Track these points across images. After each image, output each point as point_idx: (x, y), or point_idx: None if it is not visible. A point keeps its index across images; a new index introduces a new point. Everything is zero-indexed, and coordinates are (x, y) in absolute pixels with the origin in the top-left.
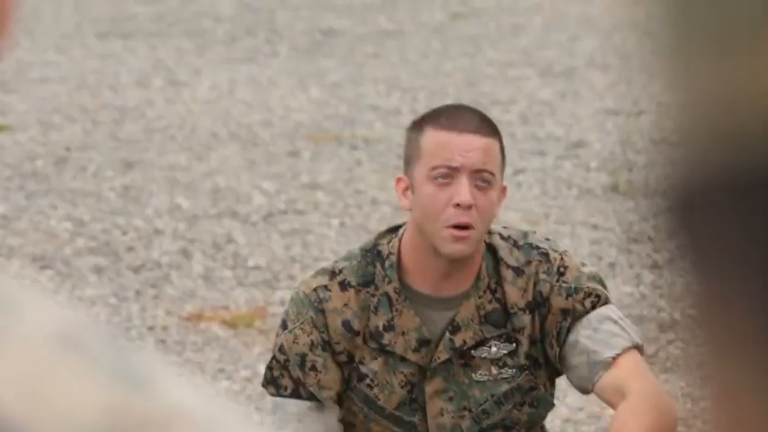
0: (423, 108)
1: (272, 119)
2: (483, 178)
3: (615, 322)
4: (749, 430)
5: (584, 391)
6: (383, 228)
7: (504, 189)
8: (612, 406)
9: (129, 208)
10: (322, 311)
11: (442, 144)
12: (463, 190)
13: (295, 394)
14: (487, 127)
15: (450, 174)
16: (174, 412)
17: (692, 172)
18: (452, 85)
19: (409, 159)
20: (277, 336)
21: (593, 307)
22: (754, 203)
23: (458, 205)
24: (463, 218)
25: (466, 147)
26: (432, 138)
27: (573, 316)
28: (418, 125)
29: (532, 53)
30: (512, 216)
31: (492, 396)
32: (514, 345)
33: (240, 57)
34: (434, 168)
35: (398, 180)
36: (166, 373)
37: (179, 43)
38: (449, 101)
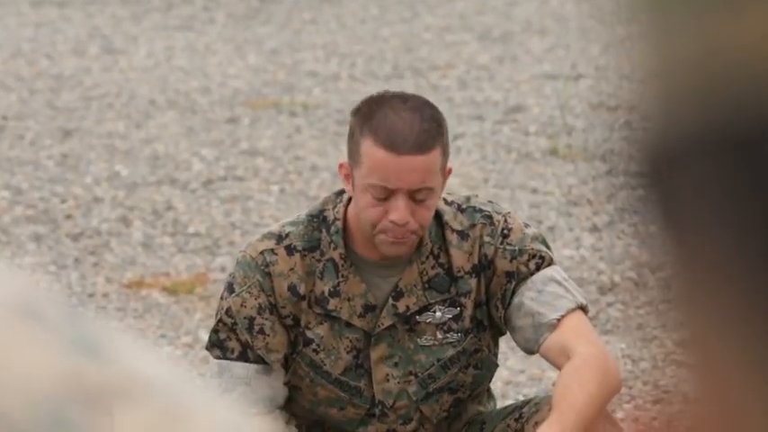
0: (361, 74)
1: (210, 86)
2: (420, 197)
3: (559, 283)
4: (729, 397)
5: (529, 352)
6: (323, 194)
7: (449, 171)
8: (557, 367)
9: (67, 176)
10: (269, 275)
11: (380, 164)
12: (400, 210)
13: (242, 357)
14: (426, 138)
15: (385, 194)
16: (131, 379)
17: (668, 133)
18: (390, 50)
19: (351, 154)
20: (222, 299)
21: (538, 268)
22: (734, 162)
23: (393, 221)
24: (400, 232)
25: (402, 169)
26: (369, 151)
27: (517, 278)
28: (360, 124)
29: (470, 18)
30: (451, 181)
31: (438, 360)
32: (459, 309)
33: (177, 24)
34: (371, 186)
35: (341, 165)
36: (123, 341)
37: (115, 11)
38: (387, 66)
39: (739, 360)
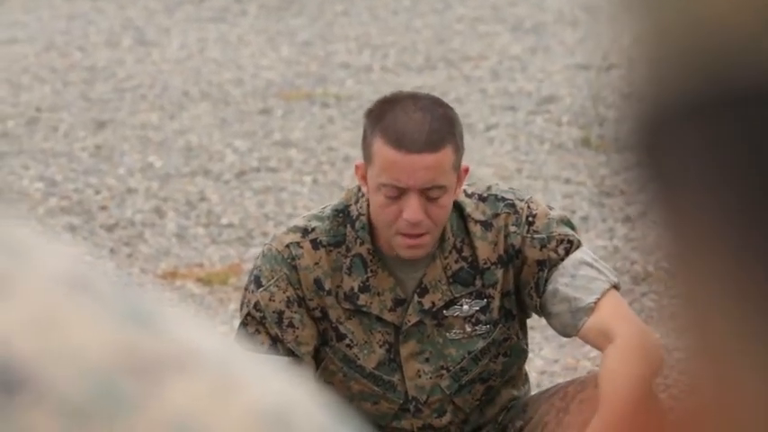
0: (393, 65)
1: (242, 77)
2: (432, 195)
3: (591, 265)
4: (726, 368)
5: (568, 335)
6: (356, 184)
7: (466, 169)
8: (599, 349)
9: (101, 167)
10: (295, 268)
11: (390, 162)
12: (412, 208)
13: (272, 351)
14: (436, 138)
15: (397, 194)
16: (183, 350)
17: (655, 100)
18: (422, 41)
19: (365, 154)
20: (249, 291)
21: (567, 253)
22: (722, 126)
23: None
24: (415, 230)
25: (413, 167)
26: (380, 151)
27: (549, 265)
28: (373, 124)
29: (502, 9)
30: (484, 171)
31: (468, 353)
32: (486, 301)
33: (209, 16)
34: (383, 185)
35: (357, 167)
36: (175, 314)
37: (147, 3)
38: (419, 58)
39: (736, 329)
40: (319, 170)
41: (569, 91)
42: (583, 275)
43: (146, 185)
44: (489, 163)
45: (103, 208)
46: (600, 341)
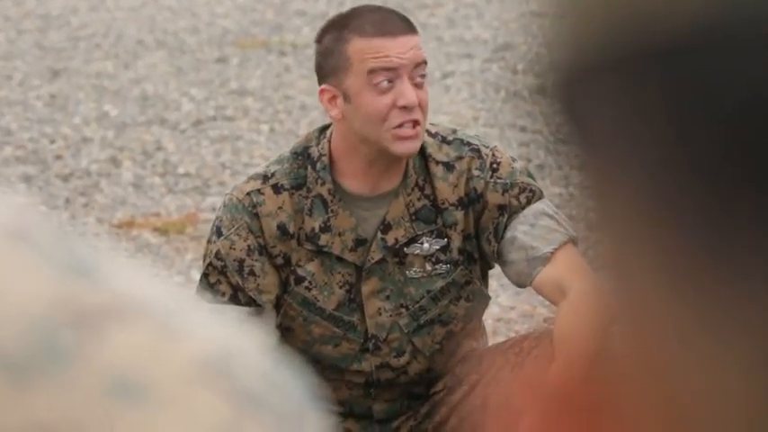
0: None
1: (198, 25)
2: (421, 73)
3: (551, 217)
4: (644, 319)
5: (522, 285)
6: None
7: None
8: (552, 302)
9: (56, 116)
10: (256, 216)
11: (376, 49)
12: (408, 91)
13: (233, 300)
14: (411, 24)
15: (390, 77)
16: (124, 299)
17: (572, 52)
18: None
19: (334, 70)
20: (210, 242)
21: (529, 202)
22: (638, 76)
23: (404, 107)
24: (411, 116)
25: (401, 48)
26: (362, 45)
27: (509, 211)
28: (337, 35)
29: None
30: (440, 119)
31: (428, 292)
32: (446, 240)
33: None
34: (372, 72)
35: (322, 91)
36: (116, 262)
37: None
38: (376, 4)
39: (655, 279)
40: (276, 119)
41: (525, 39)
42: (542, 225)
43: (101, 135)
44: (446, 111)
45: (59, 157)
46: (554, 294)
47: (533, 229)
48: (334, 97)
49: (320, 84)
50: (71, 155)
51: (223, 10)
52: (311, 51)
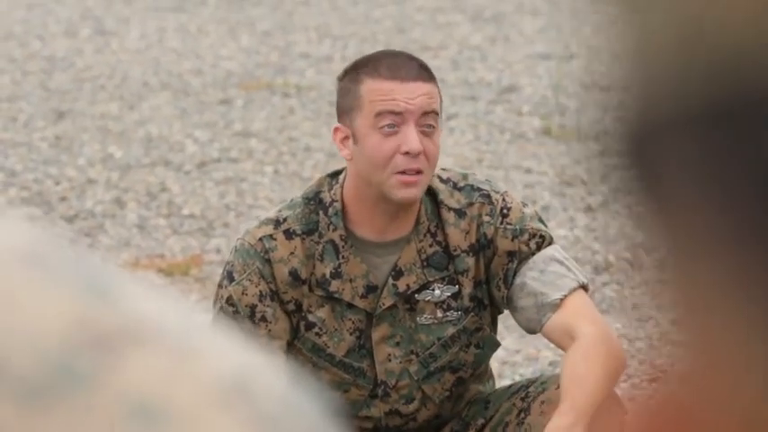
0: (353, 55)
1: (202, 67)
2: (428, 123)
3: (561, 263)
4: (725, 371)
5: (532, 332)
6: (317, 174)
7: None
8: (561, 347)
9: (60, 158)
10: (268, 261)
11: (386, 92)
12: (411, 137)
13: None
14: (427, 73)
15: (396, 122)
16: (141, 321)
17: (648, 109)
18: (382, 31)
19: (348, 110)
20: (221, 287)
21: (539, 248)
22: (714, 137)
23: (407, 153)
24: (414, 164)
25: (410, 94)
26: (373, 87)
27: (519, 257)
28: (355, 75)
29: None
30: (445, 161)
31: (438, 339)
32: (457, 287)
33: (169, 5)
34: (379, 115)
35: (336, 129)
36: (134, 285)
37: None
38: (379, 48)
39: (735, 333)
40: (280, 160)
41: (530, 81)
42: (552, 272)
43: (106, 176)
44: (450, 152)
45: (63, 199)
46: (563, 340)
47: (543, 276)
48: (346, 137)
49: (338, 122)
50: (76, 196)
51: (227, 52)
52: (315, 93)
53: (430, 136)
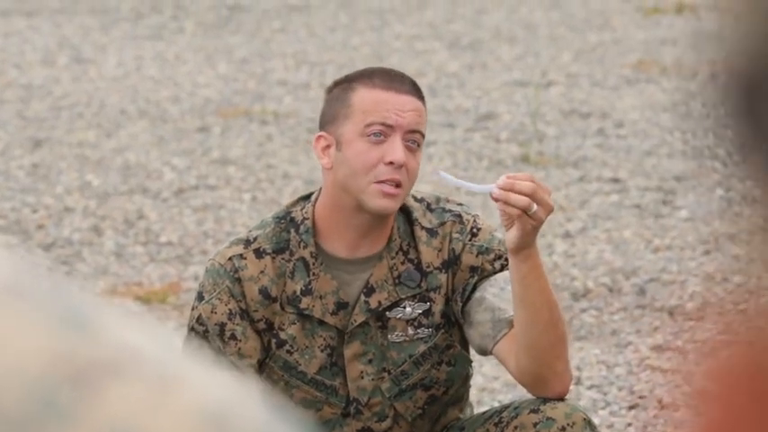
0: (331, 82)
1: (180, 95)
2: (414, 139)
3: None
4: None
5: (483, 350)
6: None
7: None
8: (509, 368)
9: (38, 186)
10: (238, 280)
11: (379, 102)
12: (398, 149)
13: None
14: (419, 92)
15: (384, 132)
16: (120, 352)
17: (759, 64)
18: (360, 58)
19: (334, 117)
20: (193, 309)
21: (502, 269)
22: None
23: (390, 163)
24: (396, 175)
25: (402, 107)
26: (366, 96)
27: (480, 274)
28: (347, 84)
29: (439, 26)
30: (423, 188)
31: (410, 357)
32: (428, 304)
33: (146, 33)
34: (369, 125)
35: (318, 137)
36: (113, 315)
37: (83, 20)
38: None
39: None
40: (258, 187)
41: (507, 108)
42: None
43: (83, 204)
44: (428, 180)
45: (41, 227)
46: (512, 358)
47: (503, 293)
48: (327, 146)
49: (320, 131)
50: (53, 224)
51: (205, 80)
52: (293, 120)
53: (413, 152)
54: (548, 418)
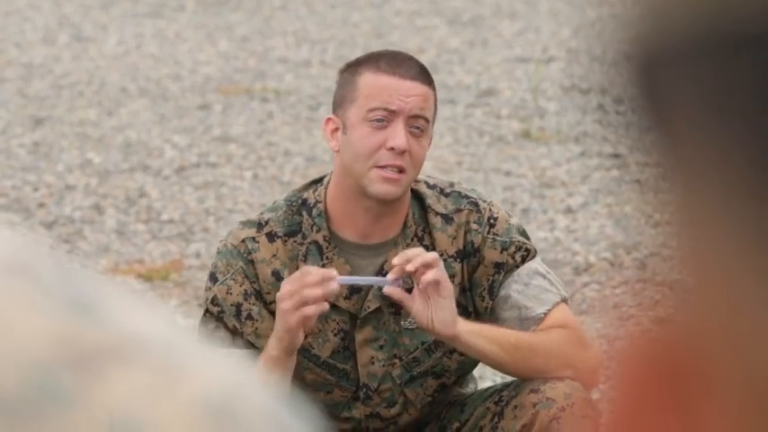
0: (332, 59)
1: (181, 73)
2: (418, 125)
3: (544, 276)
4: (740, 304)
5: None
6: (296, 179)
7: (430, 140)
8: None
9: (39, 164)
10: (251, 262)
11: (382, 87)
12: (399, 134)
13: (231, 346)
14: (426, 76)
15: (386, 117)
16: (126, 338)
17: (661, 35)
18: (361, 35)
19: (342, 101)
20: (206, 290)
21: (523, 261)
22: (728, 60)
23: (392, 149)
24: (397, 161)
25: (405, 92)
26: (371, 80)
27: (505, 269)
28: (355, 67)
29: (440, 2)
30: (424, 165)
31: (422, 344)
32: None
33: (146, 11)
34: (372, 110)
35: (328, 120)
36: (119, 299)
37: None
38: (358, 52)
39: (747, 260)
40: (259, 165)
41: (508, 84)
42: (536, 285)
43: (84, 182)
44: (429, 156)
45: (42, 205)
46: None
47: (527, 289)
48: (336, 129)
49: (332, 113)
50: (54, 202)
51: (205, 57)
52: (294, 98)
53: (417, 137)
54: (547, 399)
